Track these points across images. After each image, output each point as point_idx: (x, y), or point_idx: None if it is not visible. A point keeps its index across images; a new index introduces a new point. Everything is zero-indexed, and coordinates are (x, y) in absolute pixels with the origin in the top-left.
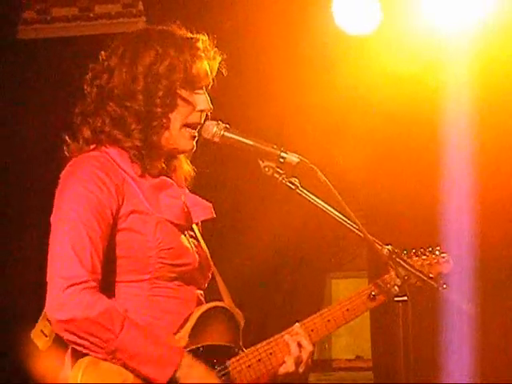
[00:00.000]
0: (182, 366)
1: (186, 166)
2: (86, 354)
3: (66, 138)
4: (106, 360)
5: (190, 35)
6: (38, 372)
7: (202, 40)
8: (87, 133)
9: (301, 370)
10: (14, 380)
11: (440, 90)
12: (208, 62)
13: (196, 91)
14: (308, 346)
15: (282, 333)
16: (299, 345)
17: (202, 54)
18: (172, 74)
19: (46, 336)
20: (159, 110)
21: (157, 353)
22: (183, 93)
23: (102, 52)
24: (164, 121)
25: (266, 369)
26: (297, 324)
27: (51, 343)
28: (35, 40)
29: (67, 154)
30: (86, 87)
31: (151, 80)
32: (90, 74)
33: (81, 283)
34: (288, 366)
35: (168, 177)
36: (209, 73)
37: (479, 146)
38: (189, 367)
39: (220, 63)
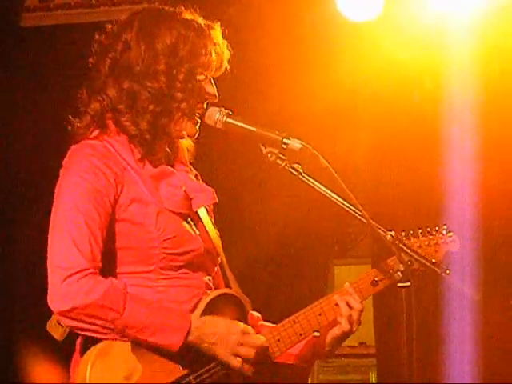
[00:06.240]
0: (192, 329)
1: (185, 141)
2: (98, 340)
3: (70, 117)
4: (115, 340)
5: (205, 21)
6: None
7: (217, 28)
8: (95, 109)
9: (355, 328)
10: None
11: (443, 76)
12: (223, 51)
13: (208, 79)
14: (357, 305)
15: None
16: (348, 304)
17: (218, 43)
18: (193, 58)
19: (62, 326)
20: (179, 94)
21: (164, 321)
22: (200, 79)
23: (109, 26)
24: (182, 106)
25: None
26: (347, 283)
27: (67, 333)
28: (38, 27)
29: (70, 134)
30: (94, 60)
31: (173, 62)
32: (98, 46)
33: (80, 272)
34: (343, 326)
35: (171, 159)
36: (224, 62)
37: (482, 131)
38: (199, 329)
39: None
